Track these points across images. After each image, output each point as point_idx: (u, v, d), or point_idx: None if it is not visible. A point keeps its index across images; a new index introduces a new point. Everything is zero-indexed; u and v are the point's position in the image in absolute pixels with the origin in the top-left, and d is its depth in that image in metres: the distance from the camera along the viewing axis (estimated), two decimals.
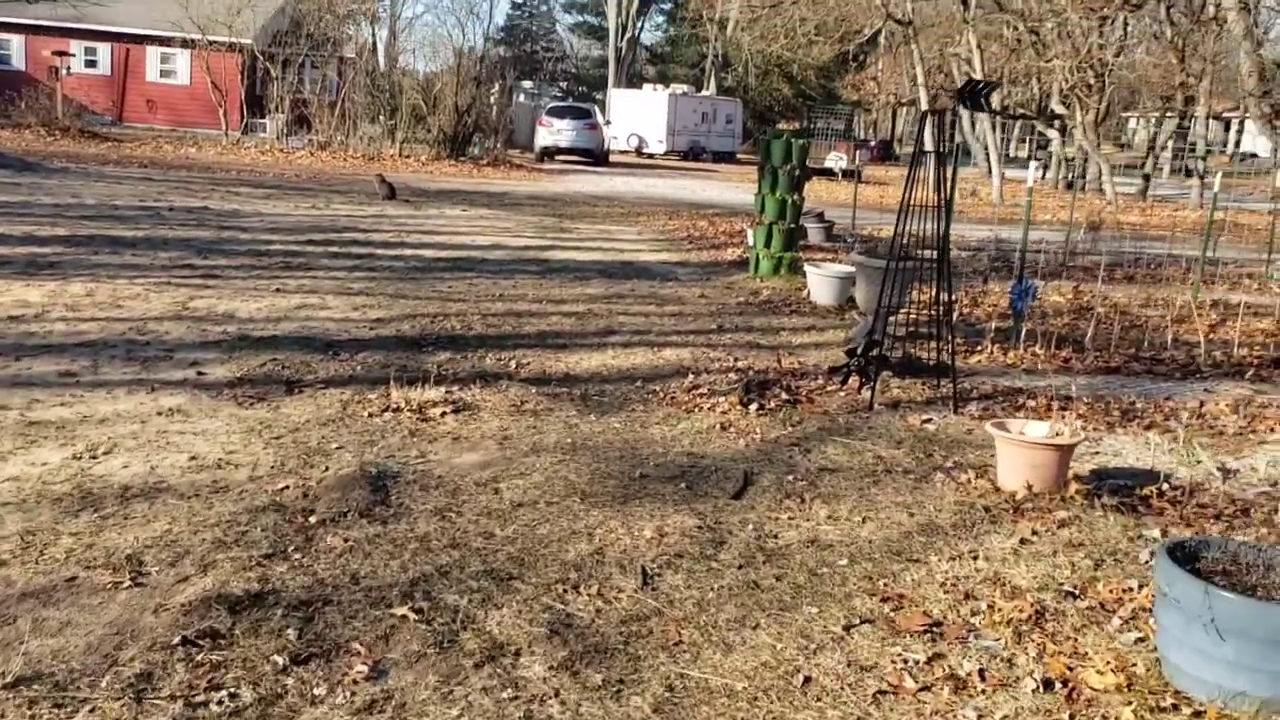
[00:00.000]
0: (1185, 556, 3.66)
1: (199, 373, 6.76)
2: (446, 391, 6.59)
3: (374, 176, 19.72)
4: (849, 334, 9.10)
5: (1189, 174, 46.59)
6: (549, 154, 35.70)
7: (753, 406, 6.61)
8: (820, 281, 10.57)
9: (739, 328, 9.29)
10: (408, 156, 29.31)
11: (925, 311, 7.51)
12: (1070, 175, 38.18)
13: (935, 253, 6.87)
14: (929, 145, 6.87)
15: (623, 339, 8.51)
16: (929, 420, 6.59)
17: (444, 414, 6.19)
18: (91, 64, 36.23)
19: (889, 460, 5.75)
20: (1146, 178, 34.61)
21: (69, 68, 33.72)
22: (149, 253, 10.98)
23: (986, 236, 16.74)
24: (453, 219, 16.37)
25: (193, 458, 5.22)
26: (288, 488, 4.88)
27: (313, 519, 4.53)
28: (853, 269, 10.50)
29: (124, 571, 3.92)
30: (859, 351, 7.16)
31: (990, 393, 7.35)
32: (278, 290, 9.55)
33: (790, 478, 5.36)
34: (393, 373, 6.96)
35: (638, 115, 44.06)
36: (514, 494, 4.94)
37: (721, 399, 6.73)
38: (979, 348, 8.68)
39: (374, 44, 39.22)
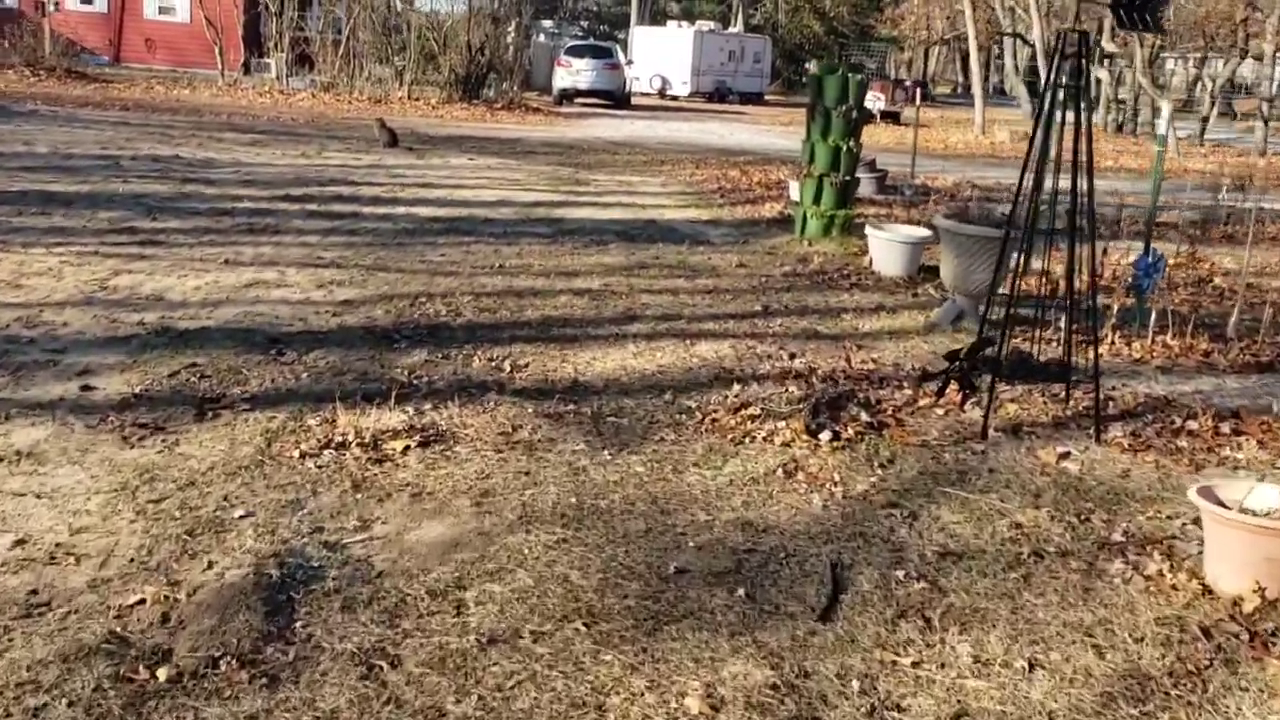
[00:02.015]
0: None
1: (84, 386, 5.08)
2: (415, 413, 4.91)
3: (374, 121, 17.90)
4: (931, 317, 7.34)
5: (1235, 117, 44.20)
6: (567, 96, 33.56)
7: (824, 435, 4.88)
8: (886, 247, 8.75)
9: (789, 309, 7.54)
10: (416, 99, 27.34)
11: (1024, 288, 5.73)
12: (1121, 118, 35.98)
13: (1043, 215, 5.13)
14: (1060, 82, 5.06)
15: (647, 327, 6.77)
16: (1067, 454, 4.85)
17: (406, 449, 4.51)
18: (87, 0, 34.26)
19: (1032, 531, 4.02)
20: (1204, 120, 32.27)
21: (56, 3, 31.74)
22: (86, 212, 9.26)
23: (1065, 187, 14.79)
24: (457, 169, 14.57)
25: (20, 541, 3.55)
26: (143, 602, 3.21)
27: (161, 674, 2.85)
28: (927, 233, 8.69)
29: None
30: (964, 354, 5.40)
31: (1134, 407, 5.59)
32: (228, 261, 7.83)
33: (900, 573, 3.63)
34: (346, 384, 5.28)
35: (661, 54, 41.68)
36: (486, 615, 3.24)
37: (781, 423, 5.00)
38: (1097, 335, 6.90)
39: None
